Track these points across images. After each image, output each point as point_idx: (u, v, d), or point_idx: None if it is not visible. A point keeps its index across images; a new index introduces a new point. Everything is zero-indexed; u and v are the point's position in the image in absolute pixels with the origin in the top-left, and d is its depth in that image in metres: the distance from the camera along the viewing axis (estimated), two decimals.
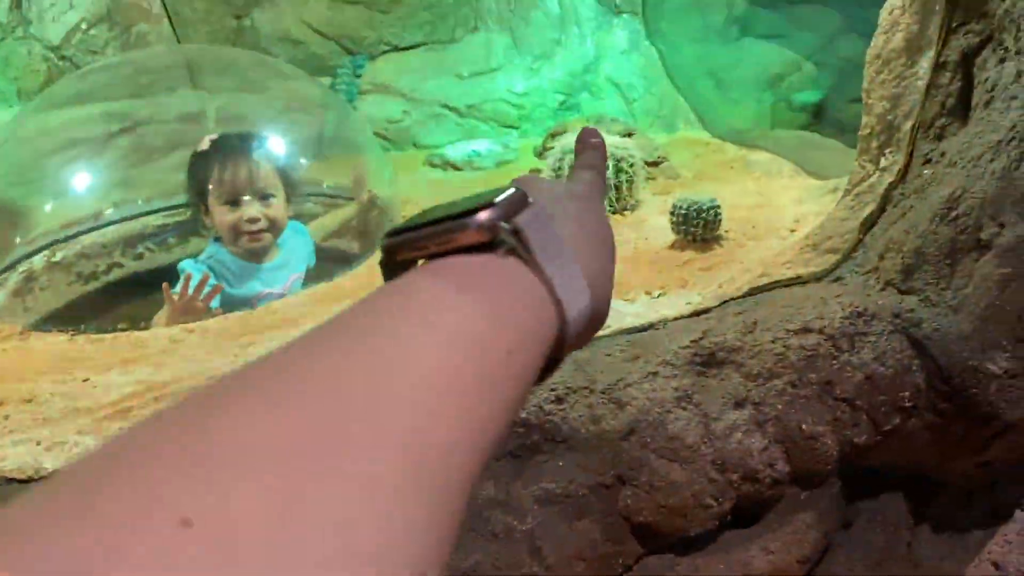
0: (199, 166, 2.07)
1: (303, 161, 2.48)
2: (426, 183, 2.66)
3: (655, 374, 1.11)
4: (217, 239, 2.11)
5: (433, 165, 2.76)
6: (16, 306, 2.24)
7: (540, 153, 2.43)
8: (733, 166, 2.26)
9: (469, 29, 2.98)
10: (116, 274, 2.63)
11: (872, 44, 1.47)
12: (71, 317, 2.40)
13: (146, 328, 1.78)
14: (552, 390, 1.13)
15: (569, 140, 1.97)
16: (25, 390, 1.47)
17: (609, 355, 1.21)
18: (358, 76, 2.92)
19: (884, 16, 1.45)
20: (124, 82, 2.66)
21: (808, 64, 2.97)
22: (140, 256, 2.69)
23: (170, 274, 2.70)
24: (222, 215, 1.99)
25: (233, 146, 2.09)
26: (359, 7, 2.86)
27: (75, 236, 2.52)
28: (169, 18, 2.81)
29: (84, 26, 2.67)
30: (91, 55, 2.73)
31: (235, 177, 1.99)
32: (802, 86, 2.95)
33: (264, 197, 2.01)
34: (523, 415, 1.11)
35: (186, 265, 2.03)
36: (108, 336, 1.70)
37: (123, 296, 2.62)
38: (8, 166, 2.32)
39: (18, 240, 2.32)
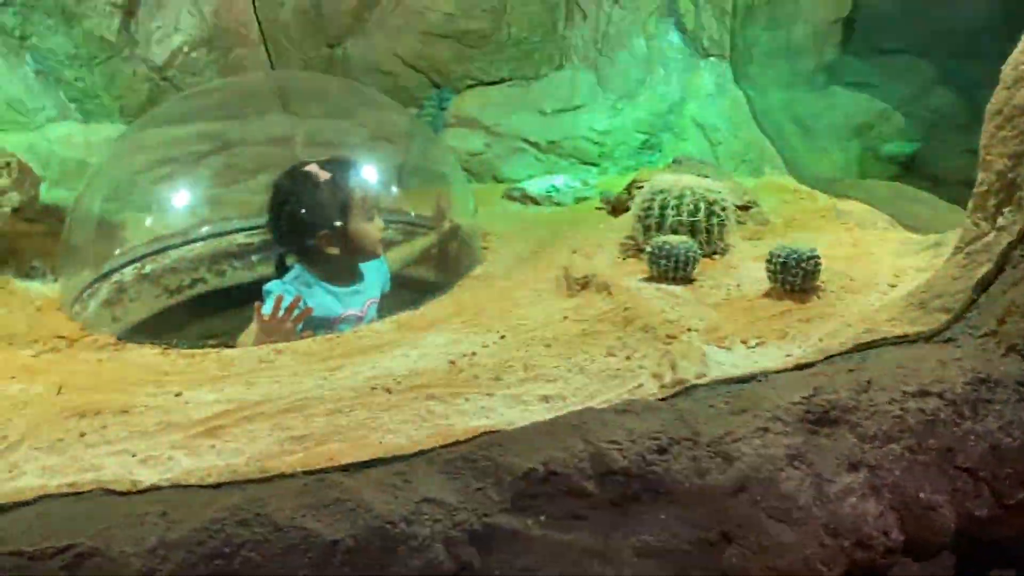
0: (331, 192, 2.13)
1: (389, 187, 2.52)
2: (504, 216, 2.67)
3: (765, 430, 1.08)
4: (300, 262, 2.16)
5: (512, 198, 2.78)
6: (106, 315, 2.30)
7: (618, 199, 2.41)
8: (824, 215, 2.21)
9: (554, 66, 3.01)
10: (199, 289, 2.70)
11: (993, 100, 1.42)
12: (156, 328, 2.46)
13: (232, 346, 1.81)
14: (654, 439, 1.11)
15: (660, 181, 1.96)
16: (121, 401, 1.50)
17: (712, 406, 1.18)
18: (443, 109, 2.97)
19: (1007, 71, 1.40)
20: (220, 104, 2.74)
21: (897, 115, 2.91)
22: (223, 273, 2.75)
23: (252, 291, 2.78)
24: (368, 229, 2.13)
25: (351, 168, 2.21)
26: (450, 41, 2.91)
27: (164, 250, 2.59)
28: (265, 45, 2.90)
29: (186, 49, 2.77)
30: (191, 76, 2.82)
31: (369, 193, 2.18)
32: (891, 137, 2.89)
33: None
34: (623, 463, 1.08)
35: (274, 287, 2.07)
36: (199, 352, 1.73)
37: (205, 310, 2.69)
38: (109, 181, 2.40)
39: (116, 251, 2.39)
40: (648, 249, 1.78)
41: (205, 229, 2.70)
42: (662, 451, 1.09)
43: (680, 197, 1.88)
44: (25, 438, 1.38)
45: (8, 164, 2.13)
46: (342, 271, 2.16)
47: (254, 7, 2.82)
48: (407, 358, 1.63)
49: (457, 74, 2.97)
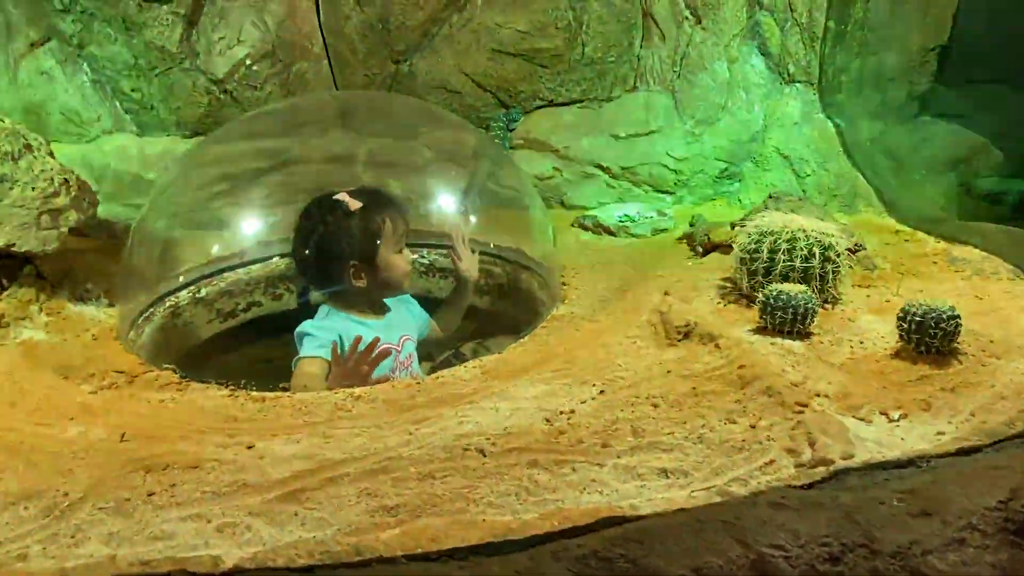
0: (361, 222, 2.00)
1: (454, 211, 2.38)
2: (578, 246, 2.53)
3: (961, 542, 0.92)
4: (327, 300, 2.04)
5: (583, 227, 2.63)
6: (160, 341, 2.18)
7: (708, 237, 2.25)
8: (934, 260, 2.04)
9: (627, 88, 2.86)
10: (254, 313, 2.57)
11: None
12: (211, 356, 2.34)
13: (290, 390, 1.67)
14: (823, 545, 0.95)
15: (768, 220, 1.80)
16: (190, 453, 1.36)
17: (884, 504, 1.01)
18: (511, 130, 2.83)
19: None
20: (280, 121, 2.62)
21: (994, 149, 2.73)
22: (279, 297, 2.62)
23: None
24: (397, 262, 2.01)
25: (379, 199, 2.06)
26: (520, 60, 2.77)
27: (220, 272, 2.47)
28: (329, 59, 2.78)
29: (248, 61, 2.66)
30: (251, 90, 2.71)
31: (403, 225, 2.03)
32: (987, 172, 2.71)
33: None
34: (795, 573, 0.93)
35: (308, 327, 1.94)
36: (269, 396, 1.59)
37: (260, 334, 2.56)
38: (169, 200, 2.28)
39: (172, 274, 2.27)
40: (762, 298, 1.62)
41: (261, 250, 2.58)
42: (834, 560, 0.93)
43: (792, 240, 1.72)
44: (88, 495, 1.25)
45: (67, 181, 2.02)
46: (371, 305, 2.05)
47: (319, 20, 2.70)
48: (497, 412, 1.48)
49: (526, 94, 2.83)
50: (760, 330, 1.64)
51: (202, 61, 2.65)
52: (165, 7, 2.58)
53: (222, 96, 2.70)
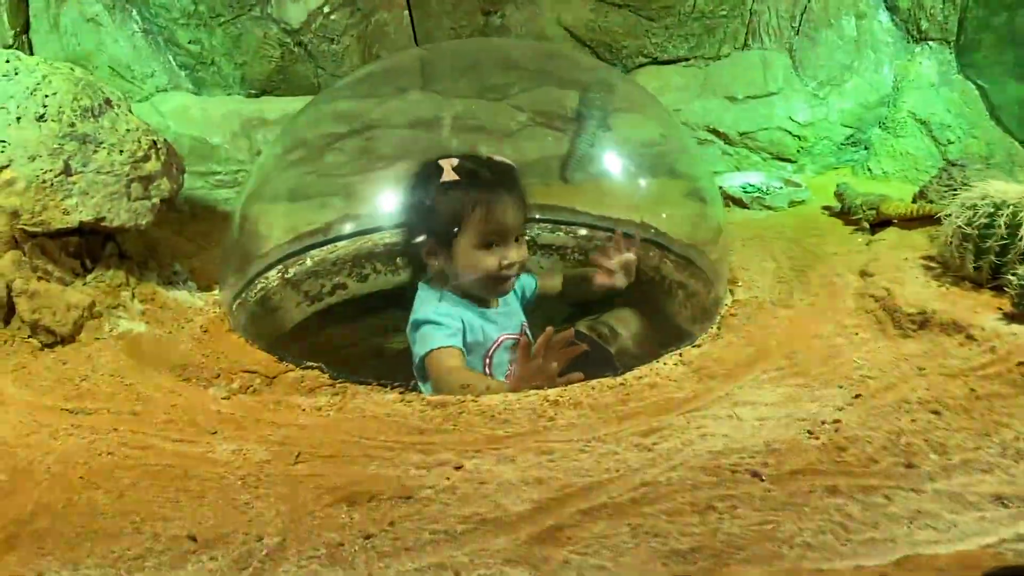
0: (448, 199, 1.69)
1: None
2: None
3: None
4: (427, 282, 1.73)
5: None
6: (254, 328, 1.90)
7: (879, 210, 2.00)
8: None
9: (737, 45, 2.59)
10: (340, 296, 2.28)
11: None
12: (305, 343, 2.05)
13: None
14: None
15: (992, 190, 1.56)
16: (391, 478, 1.09)
17: None
18: (612, 92, 2.55)
19: None
20: (404, 77, 2.31)
21: None
22: (365, 278, 2.33)
23: (397, 298, 2.37)
24: (477, 258, 1.64)
25: (491, 178, 1.69)
26: (625, 11, 2.49)
27: (305, 251, 2.17)
28: (409, 8, 2.47)
29: (327, 10, 2.34)
30: (327, 43, 2.40)
31: (504, 218, 1.63)
32: None
33: (517, 237, 1.67)
34: None
35: (430, 314, 1.64)
36: (451, 401, 1.32)
37: (347, 318, 2.28)
38: (262, 172, 1.98)
39: (261, 252, 1.98)
40: (1017, 280, 1.38)
41: (347, 227, 2.29)
42: None
43: None
44: (288, 539, 0.98)
45: (155, 144, 1.71)
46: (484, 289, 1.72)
47: None
48: (742, 423, 1.23)
49: (629, 49, 2.55)
50: (1019, 318, 1.40)
51: (274, 9, 2.32)
52: None
53: (296, 49, 2.38)
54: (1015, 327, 1.38)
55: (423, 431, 1.24)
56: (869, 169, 2.44)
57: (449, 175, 1.74)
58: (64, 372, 1.39)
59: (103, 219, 1.57)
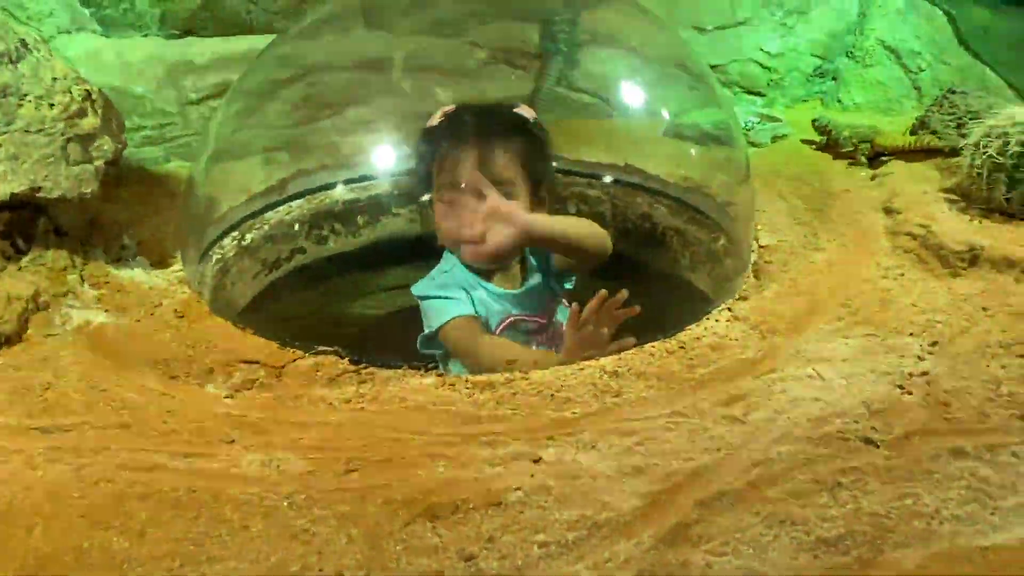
0: (425, 149, 1.52)
1: None
2: None
3: None
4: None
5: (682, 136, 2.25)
6: (221, 305, 1.67)
7: (877, 143, 1.92)
8: None
9: None
10: (298, 261, 2.05)
11: None
12: (273, 316, 1.83)
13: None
14: None
15: (1013, 114, 1.50)
16: (469, 482, 0.93)
17: None
18: (576, 24, 2.36)
19: None
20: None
21: None
22: (324, 239, 2.10)
23: (362, 261, 2.15)
24: (444, 216, 1.45)
25: (464, 126, 1.49)
26: None
27: (261, 212, 1.92)
28: None
29: None
30: None
31: (458, 170, 1.42)
32: None
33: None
34: None
35: (431, 288, 1.47)
36: (497, 380, 1.16)
37: (308, 285, 2.05)
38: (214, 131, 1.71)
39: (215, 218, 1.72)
40: None
41: (300, 183, 2.04)
42: None
43: None
44: (373, 570, 0.81)
45: (89, 95, 1.42)
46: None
47: None
48: (826, 383, 1.13)
49: None
50: None
51: None
52: None
53: None
54: None
55: (480, 419, 1.08)
56: (839, 100, 2.38)
57: (431, 121, 1.56)
58: (20, 381, 1.13)
59: (39, 189, 1.29)
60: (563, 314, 1.52)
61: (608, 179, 1.94)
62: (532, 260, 1.56)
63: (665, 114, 1.90)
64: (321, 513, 0.90)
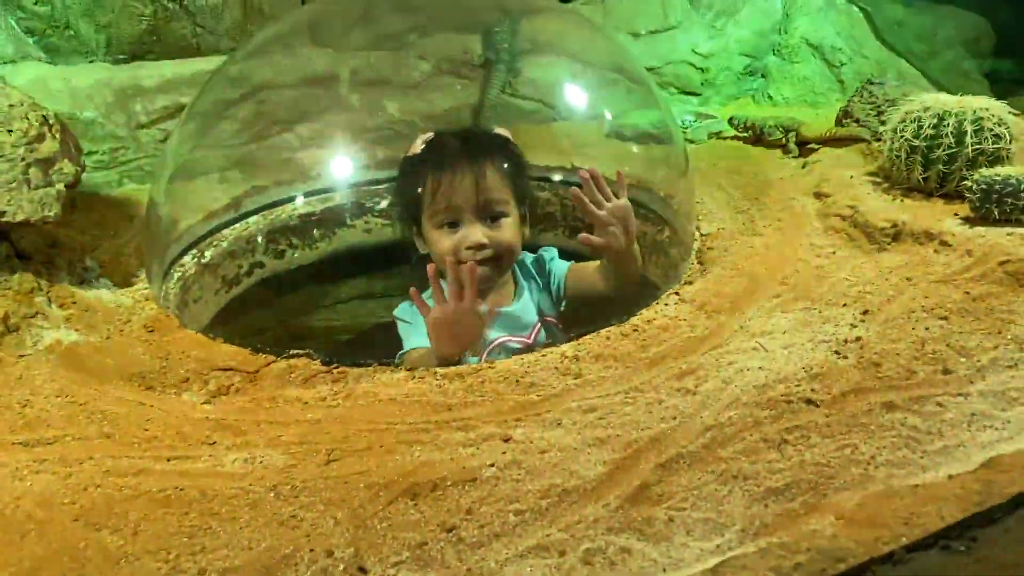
0: (410, 176, 1.57)
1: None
2: None
3: None
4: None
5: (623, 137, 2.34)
6: (208, 319, 1.70)
7: (798, 134, 2.04)
8: None
9: None
10: (258, 275, 2.08)
11: None
12: (236, 330, 1.86)
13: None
14: None
15: (931, 102, 1.62)
16: (444, 463, 0.99)
17: None
18: (517, 33, 2.45)
19: None
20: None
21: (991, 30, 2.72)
22: (281, 254, 2.14)
23: (319, 274, 2.20)
24: (437, 240, 1.50)
25: (451, 150, 1.54)
26: None
27: (217, 230, 1.95)
28: None
29: None
30: None
31: (453, 192, 1.47)
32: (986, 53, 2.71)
33: (493, 217, 1.51)
34: None
35: (402, 312, 1.53)
36: (466, 371, 1.22)
37: (270, 303, 2.09)
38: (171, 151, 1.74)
39: (175, 236, 1.75)
40: (980, 185, 1.45)
41: (257, 198, 2.08)
42: None
43: (978, 121, 1.56)
44: (361, 547, 0.86)
45: (46, 120, 1.45)
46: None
47: None
48: (768, 352, 1.22)
49: None
50: (978, 221, 1.47)
51: None
52: None
53: (170, 5, 2.10)
54: (979, 229, 1.46)
55: (451, 406, 1.14)
56: (770, 96, 2.51)
57: (414, 149, 1.59)
58: None
59: (3, 213, 1.32)
60: (549, 332, 1.59)
61: (556, 179, 2.02)
62: (523, 281, 1.62)
63: (607, 116, 1.98)
64: (307, 500, 0.95)
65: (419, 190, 1.51)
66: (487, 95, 2.39)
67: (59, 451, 1.06)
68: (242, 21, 2.23)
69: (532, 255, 1.68)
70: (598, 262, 1.56)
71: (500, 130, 1.63)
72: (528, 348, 1.55)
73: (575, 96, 2.21)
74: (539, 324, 1.60)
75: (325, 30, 2.28)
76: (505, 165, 1.53)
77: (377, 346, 1.60)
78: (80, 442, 1.08)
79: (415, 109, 2.38)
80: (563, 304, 1.64)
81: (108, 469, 1.02)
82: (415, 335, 1.45)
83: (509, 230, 1.51)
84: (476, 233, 1.47)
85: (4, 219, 1.32)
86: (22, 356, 1.27)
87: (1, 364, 1.25)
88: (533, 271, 1.66)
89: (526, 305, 1.59)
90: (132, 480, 1.00)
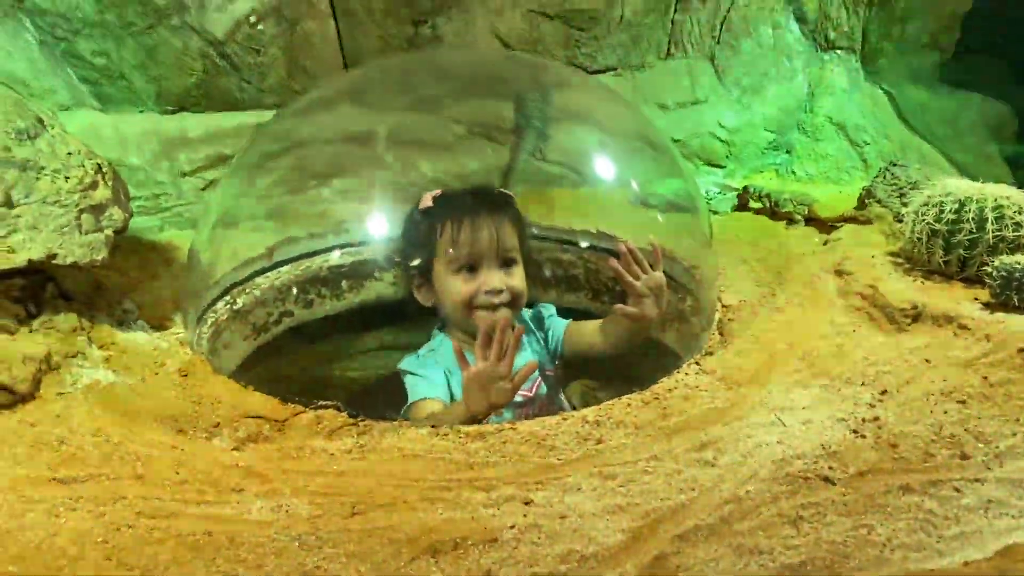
0: (422, 226, 1.64)
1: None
2: None
3: None
4: (442, 328, 1.67)
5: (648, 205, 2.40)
6: (242, 367, 1.74)
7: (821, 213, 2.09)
8: None
9: (661, 55, 2.65)
10: (286, 324, 2.13)
11: None
12: (267, 377, 1.90)
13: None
14: None
15: (953, 188, 1.66)
16: (467, 522, 1.02)
17: None
18: (548, 101, 2.53)
19: None
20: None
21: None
22: (310, 303, 2.20)
23: (347, 323, 2.24)
24: (454, 285, 1.57)
25: (466, 202, 1.64)
26: (557, 22, 2.48)
27: (251, 278, 2.01)
28: (335, 17, 2.35)
29: (252, 19, 2.18)
30: (253, 54, 2.23)
31: (474, 238, 1.56)
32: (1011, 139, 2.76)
33: (507, 263, 1.59)
34: None
35: (410, 365, 1.58)
36: (489, 430, 1.25)
37: (296, 351, 2.13)
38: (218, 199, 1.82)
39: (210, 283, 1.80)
40: (1001, 272, 1.47)
41: (290, 250, 2.15)
42: None
43: (999, 208, 1.60)
44: None
45: (100, 168, 1.52)
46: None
47: None
48: (787, 428, 1.24)
49: (560, 60, 2.55)
50: (997, 306, 1.50)
51: (195, 19, 2.13)
52: None
53: (220, 62, 2.20)
54: (999, 315, 1.48)
55: (472, 465, 1.17)
56: (794, 172, 2.57)
57: (425, 201, 1.66)
58: (36, 436, 1.20)
59: (55, 256, 1.38)
60: (549, 385, 1.63)
61: (583, 244, 2.07)
62: (524, 335, 1.65)
63: (633, 184, 2.03)
64: (330, 552, 0.97)
65: (435, 237, 1.58)
66: (517, 158, 2.46)
67: (93, 490, 1.09)
68: (286, 79, 2.33)
69: (530, 310, 1.74)
70: (597, 322, 1.64)
71: (504, 191, 1.71)
72: (530, 401, 1.60)
73: (601, 163, 2.28)
74: (539, 378, 1.65)
75: (366, 93, 2.37)
76: (514, 218, 1.64)
77: (379, 397, 1.64)
78: (113, 482, 1.11)
79: (447, 169, 2.45)
80: (556, 361, 1.72)
81: (140, 510, 1.05)
82: (423, 387, 1.50)
83: (520, 277, 1.61)
84: (495, 278, 1.55)
85: (55, 261, 1.38)
86: (61, 394, 1.31)
87: (42, 401, 1.29)
88: (533, 326, 1.72)
89: (528, 359, 1.62)
90: (163, 522, 1.03)
